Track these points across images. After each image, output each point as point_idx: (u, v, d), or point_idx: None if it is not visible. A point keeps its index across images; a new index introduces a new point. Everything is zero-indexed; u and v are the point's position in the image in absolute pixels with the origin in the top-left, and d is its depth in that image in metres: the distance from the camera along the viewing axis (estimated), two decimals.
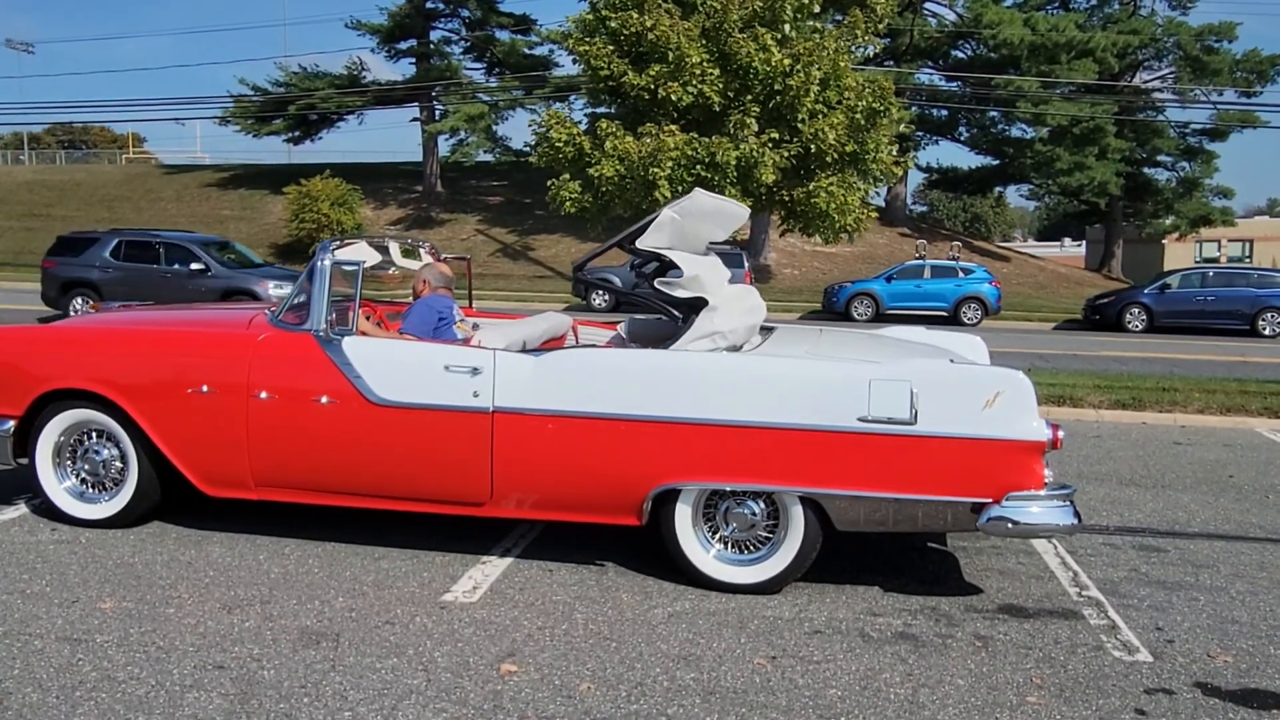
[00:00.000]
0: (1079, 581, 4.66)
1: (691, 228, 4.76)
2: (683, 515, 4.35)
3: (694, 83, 21.03)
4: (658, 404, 4.24)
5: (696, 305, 4.64)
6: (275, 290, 13.82)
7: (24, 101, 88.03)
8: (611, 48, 22.27)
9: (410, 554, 4.71)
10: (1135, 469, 7.19)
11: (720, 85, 21.28)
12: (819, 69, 21.07)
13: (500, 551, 4.78)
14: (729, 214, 4.97)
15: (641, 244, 4.71)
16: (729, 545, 4.41)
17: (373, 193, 36.68)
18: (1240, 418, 9.21)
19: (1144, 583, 4.69)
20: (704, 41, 21.39)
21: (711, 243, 5.11)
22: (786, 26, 21.49)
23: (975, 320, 22.50)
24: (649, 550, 4.66)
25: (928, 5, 36.64)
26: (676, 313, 5.04)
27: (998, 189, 48.16)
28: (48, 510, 5.05)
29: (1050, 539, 5.14)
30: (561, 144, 22.34)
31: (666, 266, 4.96)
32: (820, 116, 21.48)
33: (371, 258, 5.36)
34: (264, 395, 4.57)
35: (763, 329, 5.41)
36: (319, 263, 4.68)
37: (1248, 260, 44.59)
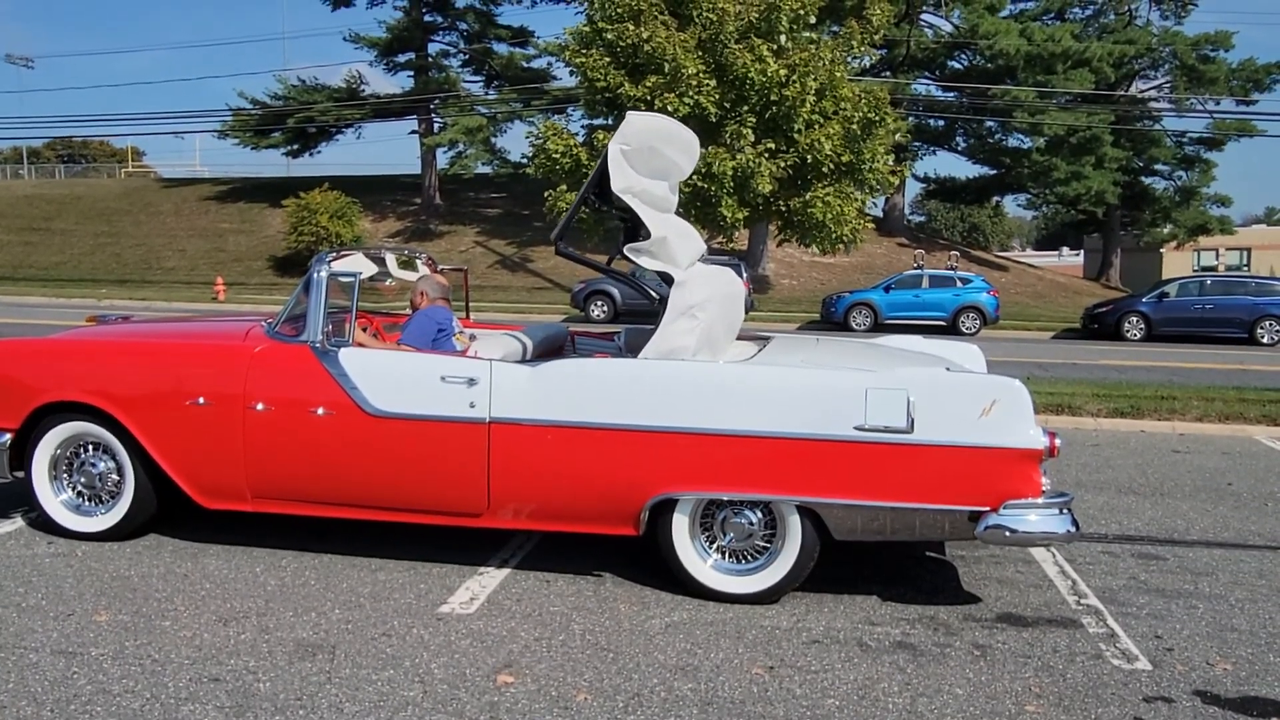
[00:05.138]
0: (1077, 590, 4.65)
1: (647, 157, 4.59)
2: (680, 525, 4.34)
3: (690, 94, 21.10)
4: (654, 413, 4.23)
5: (669, 281, 4.53)
6: None
7: (23, 116, 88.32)
8: (608, 59, 22.36)
9: (407, 565, 4.70)
10: (1134, 477, 7.18)
11: (716, 96, 21.35)
12: (815, 79, 21.15)
13: (497, 562, 4.76)
14: (673, 132, 4.79)
15: (614, 188, 4.47)
16: (726, 555, 4.39)
17: (371, 205, 36.76)
18: (1239, 425, 9.20)
19: (1143, 591, 4.68)
20: (700, 53, 21.48)
21: (706, 255, 5.04)
22: (783, 37, 21.59)
23: (974, 330, 22.52)
24: (646, 560, 4.65)
25: (924, 16, 36.79)
26: (654, 294, 4.95)
27: (995, 199, 48.26)
28: (44, 523, 5.04)
29: (1048, 547, 5.13)
30: (559, 155, 22.40)
31: (635, 229, 4.75)
32: (816, 127, 21.55)
33: (368, 269, 5.36)
34: (260, 407, 4.56)
35: (759, 338, 5.41)
36: (316, 274, 4.68)
37: (1246, 268, 44.61)
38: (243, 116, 38.42)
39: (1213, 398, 10.19)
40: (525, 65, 37.79)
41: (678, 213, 5.14)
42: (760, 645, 3.89)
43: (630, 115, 4.61)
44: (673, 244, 4.58)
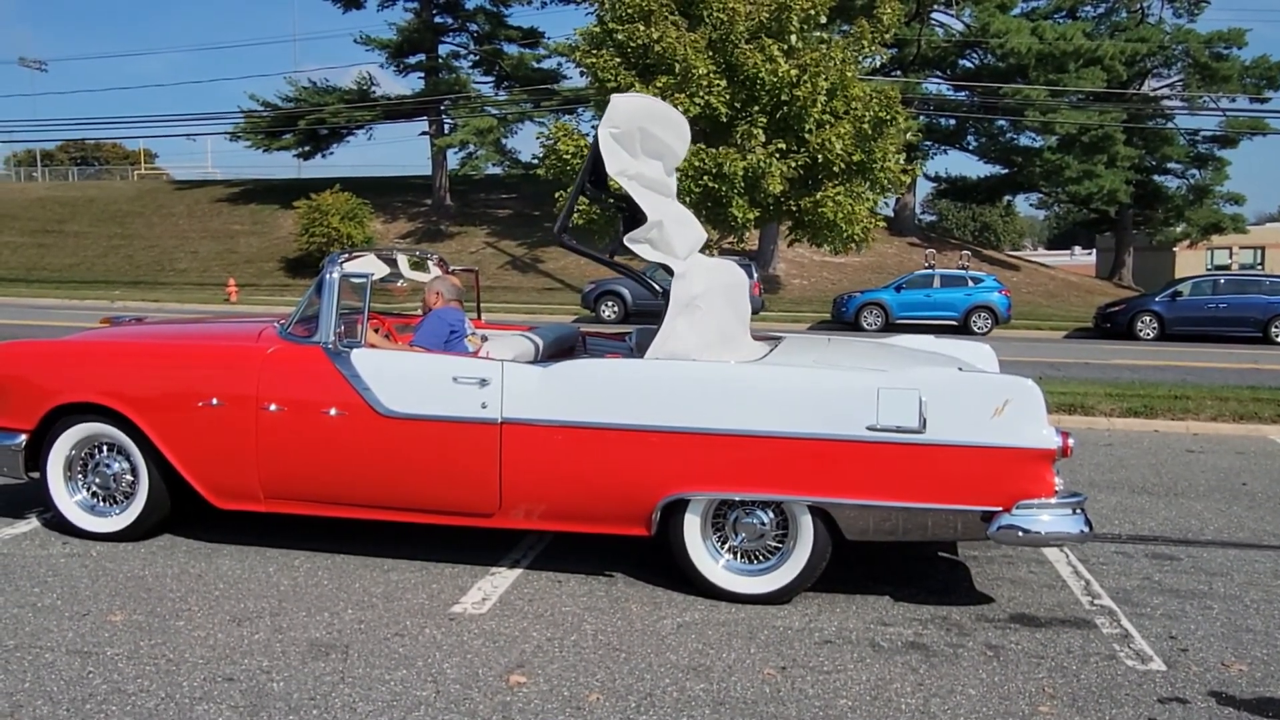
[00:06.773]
0: (1091, 590, 4.63)
1: (638, 138, 4.58)
2: (692, 525, 4.34)
3: (701, 94, 21.10)
4: (666, 414, 4.23)
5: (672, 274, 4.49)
6: None
7: (37, 119, 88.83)
8: (618, 60, 22.38)
9: (419, 566, 4.71)
10: (1147, 477, 7.15)
11: (727, 96, 21.34)
12: (826, 79, 21.12)
13: (509, 563, 4.77)
14: (661, 113, 4.76)
15: (609, 172, 4.45)
16: (738, 555, 4.39)
17: (382, 206, 36.84)
18: (1253, 425, 9.15)
19: (1157, 591, 4.65)
20: (711, 53, 21.47)
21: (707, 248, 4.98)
22: (793, 37, 21.57)
23: (985, 329, 22.44)
24: (658, 561, 4.65)
25: (935, 15, 36.68)
26: (659, 289, 4.93)
27: (1007, 198, 48.06)
28: (59, 524, 5.07)
29: (1062, 547, 5.11)
30: (569, 156, 22.42)
31: (634, 219, 4.66)
32: (827, 126, 21.52)
33: (380, 270, 5.37)
34: (273, 408, 4.58)
35: (770, 338, 5.41)
36: (328, 275, 4.70)
37: (1259, 267, 44.32)
38: (254, 119, 38.55)
39: (1227, 397, 10.13)
40: (535, 66, 37.80)
41: (686, 207, 5.11)
42: (772, 645, 3.88)
43: (615, 98, 4.57)
44: (670, 230, 4.53)
